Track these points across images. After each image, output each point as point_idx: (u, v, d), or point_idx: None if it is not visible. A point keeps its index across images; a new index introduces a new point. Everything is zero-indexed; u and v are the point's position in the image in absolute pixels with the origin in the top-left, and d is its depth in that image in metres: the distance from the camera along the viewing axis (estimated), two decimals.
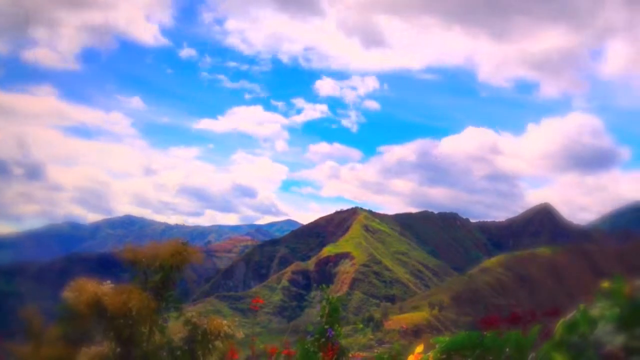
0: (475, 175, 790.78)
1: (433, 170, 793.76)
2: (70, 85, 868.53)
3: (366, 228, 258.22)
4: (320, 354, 4.73)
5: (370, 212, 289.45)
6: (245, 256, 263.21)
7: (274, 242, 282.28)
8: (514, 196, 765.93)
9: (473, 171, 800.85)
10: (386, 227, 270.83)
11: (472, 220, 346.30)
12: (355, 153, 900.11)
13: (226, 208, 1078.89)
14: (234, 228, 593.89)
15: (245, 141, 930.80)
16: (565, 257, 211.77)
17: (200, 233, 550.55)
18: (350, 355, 5.32)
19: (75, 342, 4.50)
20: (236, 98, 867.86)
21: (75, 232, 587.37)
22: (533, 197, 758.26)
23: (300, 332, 5.05)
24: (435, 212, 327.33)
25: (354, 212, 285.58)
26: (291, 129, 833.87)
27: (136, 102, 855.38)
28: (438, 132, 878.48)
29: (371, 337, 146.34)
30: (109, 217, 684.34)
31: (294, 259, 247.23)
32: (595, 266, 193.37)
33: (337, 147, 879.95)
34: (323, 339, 4.85)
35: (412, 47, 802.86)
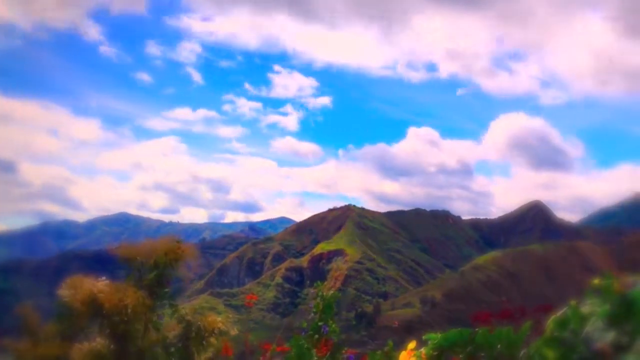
0: (431, 171, 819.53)
1: (390, 167, 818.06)
2: (16, 81, 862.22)
3: (359, 225, 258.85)
4: (314, 350, 4.78)
5: (363, 209, 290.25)
6: (239, 253, 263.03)
7: (268, 240, 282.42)
8: (471, 189, 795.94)
9: (429, 167, 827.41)
10: (379, 225, 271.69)
11: (464, 218, 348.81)
12: (314, 148, 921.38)
13: (191, 204, 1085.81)
14: (229, 225, 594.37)
15: (207, 137, 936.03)
16: (557, 254, 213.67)
17: (194, 230, 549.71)
18: (343, 351, 5.37)
19: (72, 339, 4.52)
20: (205, 93, 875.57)
21: (70, 230, 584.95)
22: (496, 192, 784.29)
23: (293, 329, 5.10)
24: (428, 209, 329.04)
25: (347, 209, 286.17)
26: (251, 125, 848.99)
27: (93, 98, 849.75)
28: (394, 127, 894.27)
29: (364, 333, 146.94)
30: (104, 214, 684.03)
31: (287, 256, 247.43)
32: (586, 263, 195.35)
33: (295, 143, 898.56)
34: (317, 336, 4.90)
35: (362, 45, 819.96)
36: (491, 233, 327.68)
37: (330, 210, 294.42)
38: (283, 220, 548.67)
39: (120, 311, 4.57)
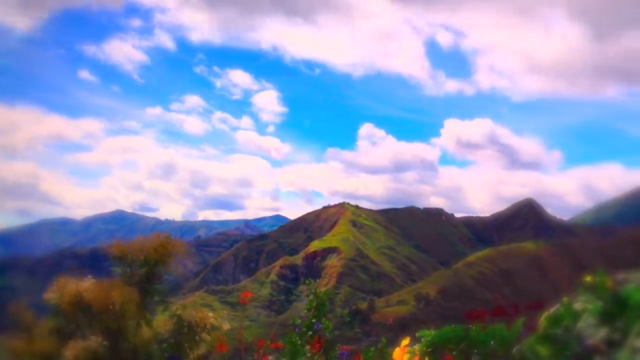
0: (400, 168, 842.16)
1: (363, 164, 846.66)
2: None
3: (353, 223, 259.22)
4: (308, 347, 4.81)
5: (357, 207, 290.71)
6: (234, 251, 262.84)
7: (263, 237, 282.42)
8: (440, 186, 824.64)
9: (397, 163, 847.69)
10: (373, 222, 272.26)
11: (458, 215, 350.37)
12: (281, 145, 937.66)
13: (167, 200, 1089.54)
14: (224, 223, 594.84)
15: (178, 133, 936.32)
16: (549, 252, 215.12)
17: (190, 228, 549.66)
18: (336, 348, 5.41)
19: (66, 336, 4.53)
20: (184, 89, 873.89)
21: (67, 228, 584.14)
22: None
23: (288, 326, 5.14)
24: (421, 207, 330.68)
25: (341, 207, 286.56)
26: (220, 121, 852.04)
27: (64, 96, 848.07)
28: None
29: (358, 330, 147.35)
30: (101, 212, 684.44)
31: (282, 253, 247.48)
32: (578, 261, 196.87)
33: (264, 140, 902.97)
34: (310, 332, 4.94)
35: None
36: (484, 230, 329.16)
37: (324, 208, 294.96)
38: (278, 217, 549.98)
39: (108, 308, 4.58)
